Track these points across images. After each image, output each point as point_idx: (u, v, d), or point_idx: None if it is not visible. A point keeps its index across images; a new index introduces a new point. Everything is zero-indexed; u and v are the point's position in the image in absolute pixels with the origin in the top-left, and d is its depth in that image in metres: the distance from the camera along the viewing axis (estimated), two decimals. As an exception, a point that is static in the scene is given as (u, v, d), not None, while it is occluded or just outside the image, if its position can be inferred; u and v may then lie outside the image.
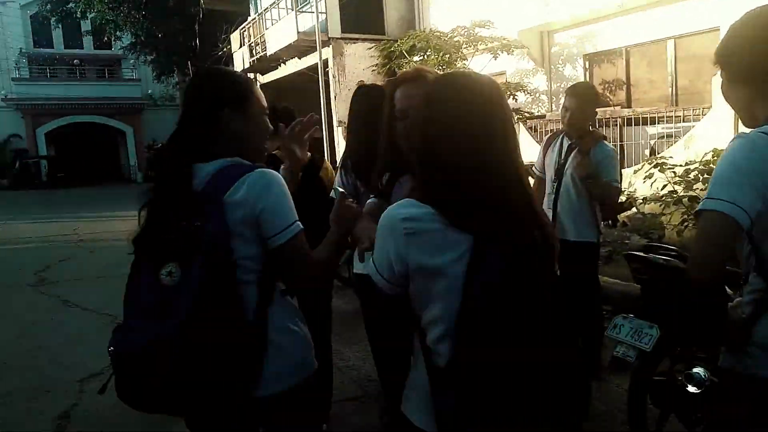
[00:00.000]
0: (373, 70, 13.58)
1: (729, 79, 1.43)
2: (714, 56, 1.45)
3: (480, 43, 9.84)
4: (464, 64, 10.11)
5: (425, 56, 10.31)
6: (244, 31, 16.84)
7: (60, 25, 29.94)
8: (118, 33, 22.16)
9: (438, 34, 9.80)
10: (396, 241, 1.24)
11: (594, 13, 9.27)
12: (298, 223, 1.50)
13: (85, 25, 28.07)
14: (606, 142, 3.38)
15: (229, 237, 1.41)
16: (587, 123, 3.37)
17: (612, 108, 9.20)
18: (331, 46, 13.14)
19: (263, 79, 18.24)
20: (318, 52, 12.78)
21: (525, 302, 1.18)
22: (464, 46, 9.96)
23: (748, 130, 1.38)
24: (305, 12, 13.49)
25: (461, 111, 1.24)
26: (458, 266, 1.19)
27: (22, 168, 29.31)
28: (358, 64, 13.57)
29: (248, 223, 1.44)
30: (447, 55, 9.84)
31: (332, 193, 2.02)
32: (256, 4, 18.50)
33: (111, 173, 33.20)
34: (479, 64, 10.09)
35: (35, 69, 32.40)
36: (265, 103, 1.63)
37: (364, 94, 2.54)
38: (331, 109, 13.33)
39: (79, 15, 21.54)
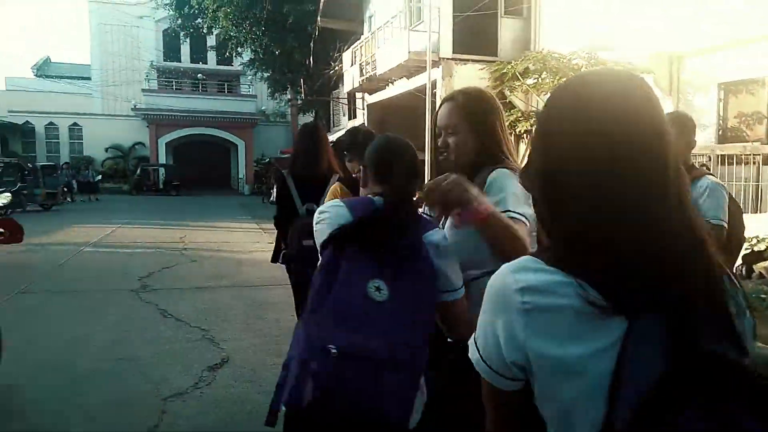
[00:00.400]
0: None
1: None
2: None
3: (601, 66, 9.12)
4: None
5: (539, 79, 9.72)
6: (356, 50, 17.01)
7: (188, 40, 32.08)
8: (239, 49, 23.28)
9: (556, 55, 9.19)
10: (510, 320, 0.84)
11: (733, 37, 8.28)
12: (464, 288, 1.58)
13: (210, 41, 29.90)
14: (710, 175, 2.96)
15: (433, 270, 1.50)
16: (689, 155, 3.16)
17: (749, 144, 8.16)
18: (441, 66, 12.85)
19: (370, 98, 18.34)
20: (427, 72, 12.52)
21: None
22: (583, 69, 9.26)
23: None
24: (418, 31, 13.31)
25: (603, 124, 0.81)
26: (604, 361, 0.77)
27: (142, 174, 31.49)
28: (467, 86, 13.14)
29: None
30: (563, 79, 9.21)
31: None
32: (370, 23, 18.71)
33: (221, 184, 34.99)
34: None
35: (163, 81, 34.90)
36: None
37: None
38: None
39: (205, 30, 22.85)
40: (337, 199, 1.74)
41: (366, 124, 19.19)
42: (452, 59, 13.05)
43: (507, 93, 13.10)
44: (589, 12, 11.02)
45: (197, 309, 6.02)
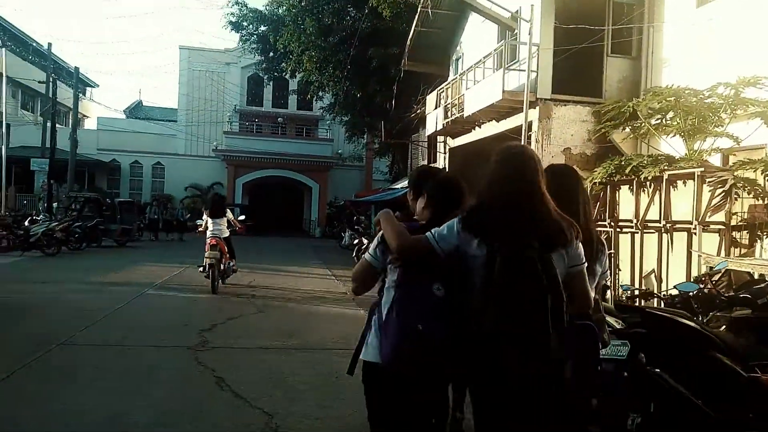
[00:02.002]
0: (588, 137, 11.85)
1: None
2: None
3: (745, 106, 7.63)
4: (719, 131, 7.91)
5: (663, 119, 8.31)
6: (442, 92, 16.13)
7: (271, 84, 32.67)
8: (320, 93, 23.09)
9: (689, 91, 7.79)
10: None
11: None
12: None
13: (292, 85, 30.19)
14: None
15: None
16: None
17: None
18: (538, 107, 11.67)
19: (452, 142, 17.34)
20: (524, 112, 11.38)
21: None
22: (722, 109, 7.81)
23: None
24: (514, 69, 12.28)
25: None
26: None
27: (217, 213, 31.54)
28: (566, 129, 11.92)
29: None
30: (698, 119, 7.76)
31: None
32: (456, 65, 17.89)
33: (293, 225, 34.75)
34: (741, 132, 7.82)
35: (244, 124, 35.55)
36: None
37: None
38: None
39: (288, 74, 22.84)
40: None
41: (447, 168, 18.16)
42: (551, 100, 11.85)
43: (612, 139, 11.76)
44: (716, 51, 9.62)
45: (261, 378, 4.96)
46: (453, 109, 15.16)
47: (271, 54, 24.53)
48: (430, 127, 17.13)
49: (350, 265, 15.25)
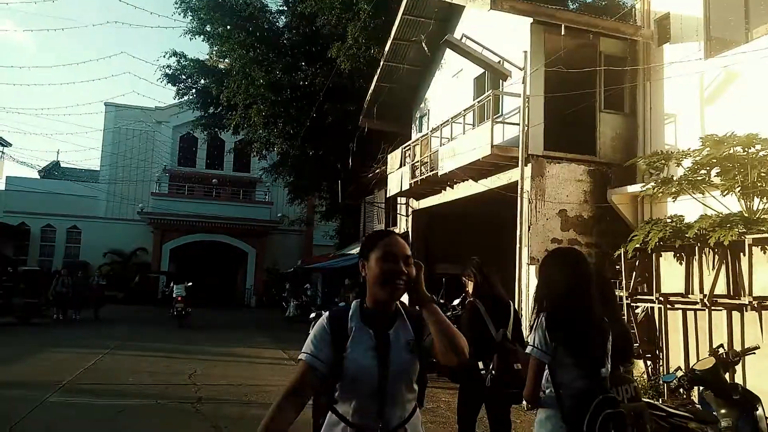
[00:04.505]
0: (584, 199, 10.60)
1: None
2: None
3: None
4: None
5: (707, 175, 7.02)
6: (408, 149, 14.70)
7: (206, 145, 30.59)
8: (264, 152, 21.21)
9: (750, 138, 6.49)
10: None
11: None
12: None
13: (229, 145, 28.20)
14: None
15: None
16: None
17: None
18: (530, 164, 10.36)
19: (417, 204, 15.84)
20: (520, 168, 10.00)
21: None
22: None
23: None
24: (504, 123, 11.02)
25: None
26: None
27: (141, 282, 28.48)
28: (560, 189, 10.63)
29: None
30: (760, 173, 6.45)
31: None
32: (420, 123, 16.64)
33: (226, 295, 31.80)
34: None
35: (174, 186, 32.98)
36: None
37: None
38: (521, 242, 10.24)
39: (232, 130, 20.90)
40: None
41: (410, 233, 16.52)
42: (543, 156, 10.59)
43: (612, 200, 10.56)
44: (730, 105, 8.72)
45: None
46: (423, 167, 13.71)
47: (212, 109, 22.54)
48: (393, 188, 15.58)
49: (304, 341, 13.01)
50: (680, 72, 9.74)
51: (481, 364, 3.93)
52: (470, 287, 4.30)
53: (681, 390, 3.79)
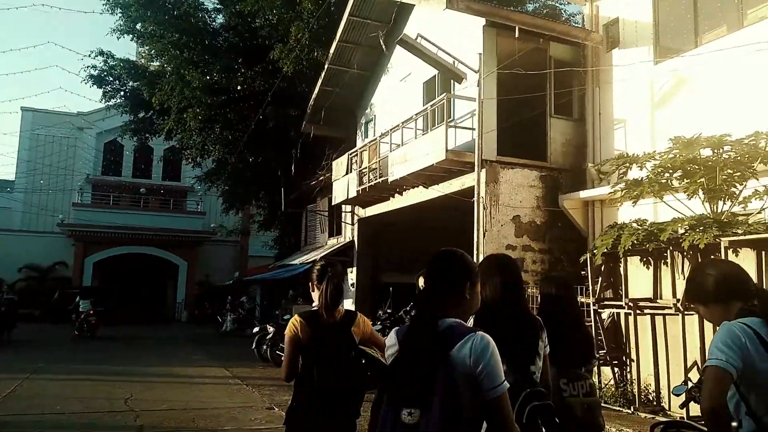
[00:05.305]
0: (536, 205, 10.55)
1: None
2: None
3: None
4: (734, 191, 6.70)
5: (670, 179, 6.99)
6: (355, 155, 14.26)
7: (132, 151, 28.96)
8: (199, 159, 20.13)
9: (721, 139, 6.48)
10: None
11: None
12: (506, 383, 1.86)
13: (158, 152, 26.79)
14: None
15: (457, 386, 1.82)
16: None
17: None
18: (484, 170, 10.19)
19: (363, 212, 15.43)
20: (476, 173, 9.82)
21: None
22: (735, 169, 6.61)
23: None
24: (458, 127, 10.82)
25: None
26: None
27: (61, 299, 26.50)
28: (514, 195, 10.54)
29: (468, 376, 1.83)
30: (732, 174, 6.45)
31: None
32: (366, 129, 16.26)
33: (155, 309, 30.05)
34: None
35: (98, 196, 31.09)
36: None
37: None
38: (477, 249, 10.03)
39: (164, 135, 19.72)
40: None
41: (355, 242, 16.06)
42: (497, 162, 10.47)
43: (564, 206, 10.55)
44: (678, 110, 8.89)
45: None
46: (371, 174, 13.32)
47: (142, 113, 21.22)
48: (339, 195, 15.10)
49: (248, 359, 12.26)
50: (629, 76, 9.88)
51: None
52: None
53: (691, 402, 3.54)
